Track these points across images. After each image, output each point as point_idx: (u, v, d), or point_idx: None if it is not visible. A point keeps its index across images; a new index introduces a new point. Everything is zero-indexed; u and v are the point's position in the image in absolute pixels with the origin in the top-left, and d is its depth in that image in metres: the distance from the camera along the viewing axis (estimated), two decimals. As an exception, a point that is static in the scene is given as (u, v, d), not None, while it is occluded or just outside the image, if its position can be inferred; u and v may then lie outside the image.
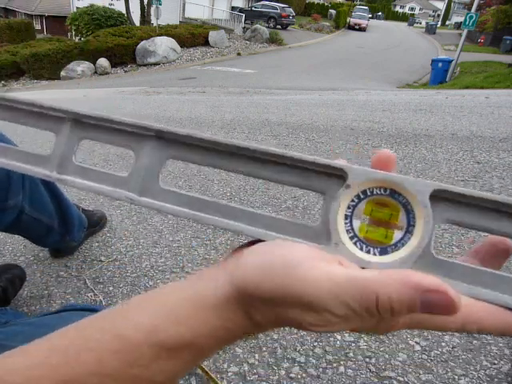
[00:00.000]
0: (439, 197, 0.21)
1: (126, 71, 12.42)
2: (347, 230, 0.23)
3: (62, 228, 1.10)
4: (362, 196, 0.23)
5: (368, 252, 0.23)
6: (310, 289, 0.18)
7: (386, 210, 0.23)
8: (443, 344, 0.92)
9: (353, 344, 0.92)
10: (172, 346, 0.21)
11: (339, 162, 0.23)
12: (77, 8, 17.69)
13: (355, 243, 0.23)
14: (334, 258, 0.21)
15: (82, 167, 0.27)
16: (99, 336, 0.21)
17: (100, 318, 0.23)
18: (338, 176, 0.23)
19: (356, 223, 0.23)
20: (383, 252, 0.23)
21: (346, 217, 0.23)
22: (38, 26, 22.60)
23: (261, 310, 0.20)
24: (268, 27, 17.99)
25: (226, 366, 0.87)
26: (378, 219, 0.23)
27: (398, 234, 0.23)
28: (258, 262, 0.20)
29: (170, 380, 0.23)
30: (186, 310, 0.21)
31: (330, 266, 0.19)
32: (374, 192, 0.22)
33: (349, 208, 0.23)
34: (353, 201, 0.23)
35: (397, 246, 0.23)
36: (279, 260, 0.20)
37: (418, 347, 0.91)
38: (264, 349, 0.91)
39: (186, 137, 0.24)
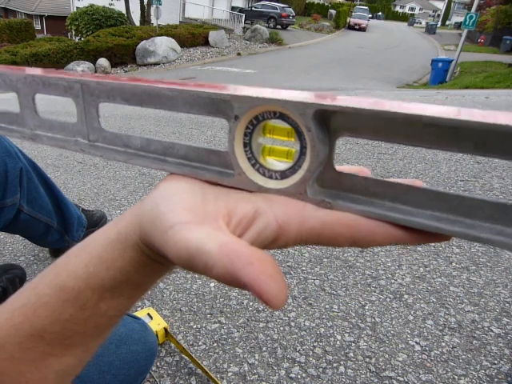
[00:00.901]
0: (327, 113, 0.20)
1: (126, 71, 12.42)
2: (249, 158, 0.23)
3: (61, 227, 1.10)
4: (255, 122, 0.22)
5: (270, 177, 0.23)
6: (172, 253, 0.19)
7: (284, 128, 0.22)
8: (443, 344, 0.92)
9: (353, 344, 0.92)
10: (109, 288, 0.23)
11: (227, 92, 0.22)
12: (77, 8, 17.69)
13: (258, 169, 0.23)
14: (216, 213, 0.21)
15: (46, 120, 0.30)
16: (48, 290, 0.24)
17: (47, 272, 0.25)
18: (231, 105, 0.22)
19: (257, 147, 0.23)
20: (283, 176, 0.23)
21: (246, 144, 0.23)
22: (38, 26, 22.59)
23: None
24: (268, 27, 17.99)
25: (226, 366, 0.87)
26: (278, 137, 0.23)
27: (296, 154, 0.22)
28: (147, 213, 0.22)
29: (122, 312, 0.25)
30: (112, 253, 0.23)
31: (195, 232, 0.19)
32: (265, 117, 0.22)
33: (246, 135, 0.22)
34: (248, 128, 0.22)
35: (294, 169, 0.22)
36: (159, 217, 0.20)
37: (417, 347, 0.91)
38: (264, 349, 0.91)
39: (99, 83, 0.26)
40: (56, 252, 1.24)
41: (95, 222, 1.34)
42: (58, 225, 1.09)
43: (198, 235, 0.19)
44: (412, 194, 0.20)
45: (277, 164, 0.23)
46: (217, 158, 0.24)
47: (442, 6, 49.15)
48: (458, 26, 29.00)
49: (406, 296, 1.07)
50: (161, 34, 13.24)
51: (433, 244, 1.33)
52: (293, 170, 0.22)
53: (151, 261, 0.23)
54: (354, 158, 2.17)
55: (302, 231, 0.21)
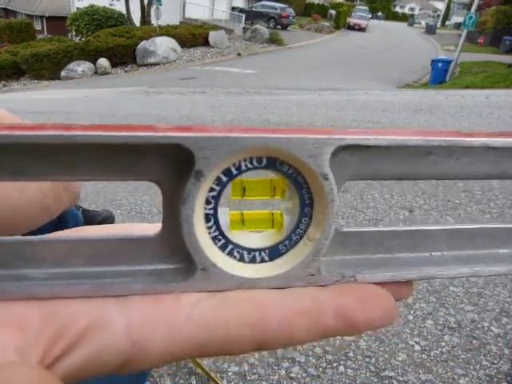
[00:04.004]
0: (339, 151, 0.15)
1: (126, 71, 12.42)
2: (214, 238, 0.15)
3: (56, 225, 1.12)
4: (224, 179, 0.15)
5: (253, 260, 0.16)
6: None
7: (266, 184, 0.16)
8: (443, 344, 0.92)
9: (353, 344, 0.93)
10: None
11: (172, 133, 0.13)
12: (77, 8, 17.70)
13: (231, 253, 0.16)
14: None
15: None
16: None
17: None
18: (179, 154, 0.14)
19: (224, 218, 0.15)
20: (274, 254, 0.16)
21: (208, 218, 0.15)
22: (38, 27, 22.59)
23: None
24: (268, 27, 18.00)
25: (226, 366, 0.87)
26: (256, 196, 0.16)
27: (289, 219, 0.16)
28: None
29: None
30: None
31: None
32: (243, 167, 0.15)
33: (208, 203, 0.15)
34: (212, 190, 0.15)
35: (292, 241, 0.16)
36: None
37: (417, 347, 0.92)
38: (264, 348, 0.91)
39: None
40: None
41: (99, 222, 1.35)
42: (52, 221, 1.10)
43: None
44: (434, 237, 0.18)
45: (255, 237, 0.16)
46: (142, 250, 0.15)
47: (441, 6, 49.22)
48: (458, 26, 29.02)
49: (405, 296, 1.08)
50: (161, 35, 13.25)
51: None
52: (289, 242, 0.16)
53: None
54: (354, 158, 2.17)
55: (173, 346, 0.14)
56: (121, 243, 0.15)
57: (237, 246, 0.16)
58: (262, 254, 0.16)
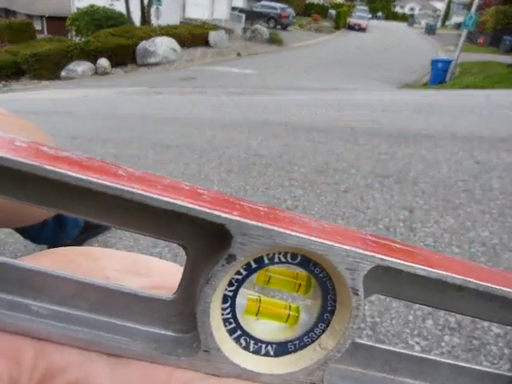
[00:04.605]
0: (376, 268, 0.14)
1: (126, 71, 12.42)
2: (225, 320, 0.15)
3: (55, 224, 1.12)
4: (254, 266, 0.14)
5: (257, 352, 0.15)
6: None
7: (291, 277, 0.15)
8: (443, 344, 0.92)
9: (353, 344, 0.93)
10: None
11: (218, 213, 0.13)
12: (77, 8, 17.71)
13: (237, 339, 0.15)
14: None
15: None
16: None
17: None
18: (217, 230, 0.13)
19: (241, 301, 0.15)
20: (280, 351, 0.15)
21: (226, 299, 0.14)
22: (38, 27, 22.60)
23: None
24: (268, 27, 18.01)
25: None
26: (280, 287, 0.16)
27: (305, 319, 0.15)
28: None
29: None
30: None
31: None
32: (276, 259, 0.14)
33: (231, 285, 0.14)
34: (239, 273, 0.14)
35: (302, 342, 0.15)
36: None
37: (417, 347, 0.92)
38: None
39: None
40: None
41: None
42: (53, 221, 1.10)
43: None
44: (439, 368, 0.17)
45: (266, 327, 0.16)
46: (151, 309, 0.15)
47: (441, 6, 49.23)
48: (458, 26, 29.02)
49: (405, 296, 1.08)
50: (161, 35, 13.25)
51: (432, 243, 1.33)
52: (299, 343, 0.15)
53: None
54: (354, 157, 2.17)
55: None
56: (130, 297, 0.15)
57: (245, 332, 0.15)
58: (269, 347, 0.15)
